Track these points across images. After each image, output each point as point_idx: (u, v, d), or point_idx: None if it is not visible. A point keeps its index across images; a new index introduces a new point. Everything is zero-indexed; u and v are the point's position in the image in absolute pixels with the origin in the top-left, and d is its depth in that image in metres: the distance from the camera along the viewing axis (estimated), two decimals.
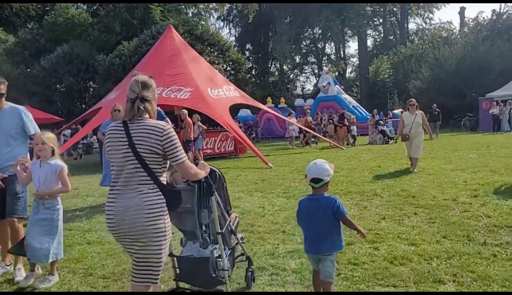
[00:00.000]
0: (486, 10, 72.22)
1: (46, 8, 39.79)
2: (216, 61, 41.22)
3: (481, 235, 4.46)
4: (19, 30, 36.97)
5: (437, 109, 21.68)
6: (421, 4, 43.24)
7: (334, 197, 2.98)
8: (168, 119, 7.60)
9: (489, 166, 9.29)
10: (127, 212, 2.48)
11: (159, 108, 7.81)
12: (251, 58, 54.22)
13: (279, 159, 13.84)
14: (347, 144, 18.39)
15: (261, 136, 29.51)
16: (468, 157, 11.41)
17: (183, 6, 46.36)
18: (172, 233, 2.69)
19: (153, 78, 2.72)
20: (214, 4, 47.50)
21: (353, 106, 27.43)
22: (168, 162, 2.62)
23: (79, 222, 6.26)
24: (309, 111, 21.94)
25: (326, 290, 2.95)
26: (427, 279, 3.45)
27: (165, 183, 2.64)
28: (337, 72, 46.19)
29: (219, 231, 3.06)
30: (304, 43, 51.77)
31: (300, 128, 19.53)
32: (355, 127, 19.64)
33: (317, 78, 39.75)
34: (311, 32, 50.18)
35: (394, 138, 17.67)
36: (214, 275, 3.04)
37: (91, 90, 36.40)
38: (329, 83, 27.91)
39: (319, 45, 51.91)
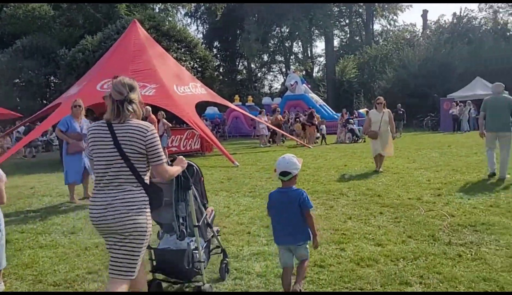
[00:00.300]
0: (447, 14, 74.84)
1: None
2: (183, 58, 40.62)
3: (445, 234, 4.47)
4: None
5: (402, 109, 22.12)
6: (386, 5, 44.14)
7: (301, 189, 3.13)
8: None
9: (451, 165, 9.49)
10: (110, 208, 2.55)
11: None
12: (218, 56, 53.79)
13: (245, 157, 13.70)
14: (315, 143, 18.47)
15: (228, 135, 29.29)
16: (430, 156, 11.64)
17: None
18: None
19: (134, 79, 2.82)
20: None
21: (320, 105, 27.64)
22: None
23: (33, 223, 5.89)
24: (279, 109, 21.83)
25: (301, 265, 3.12)
26: (393, 281, 3.38)
27: (148, 182, 2.72)
28: (304, 71, 46.57)
29: (196, 224, 3.18)
30: (272, 42, 51.85)
31: (268, 126, 19.45)
32: (324, 126, 19.76)
33: (285, 77, 39.92)
34: (279, 31, 50.32)
35: (363, 137, 17.75)
36: (189, 267, 3.13)
37: (53, 85, 35.08)
38: (296, 82, 28.02)
39: (287, 44, 52.15)
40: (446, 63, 30.08)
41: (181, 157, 3.07)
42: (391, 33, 50.50)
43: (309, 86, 31.77)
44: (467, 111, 22.89)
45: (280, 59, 54.88)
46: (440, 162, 10.12)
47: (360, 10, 49.58)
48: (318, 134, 19.15)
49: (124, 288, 2.64)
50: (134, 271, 2.65)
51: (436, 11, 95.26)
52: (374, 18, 50.41)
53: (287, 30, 47.30)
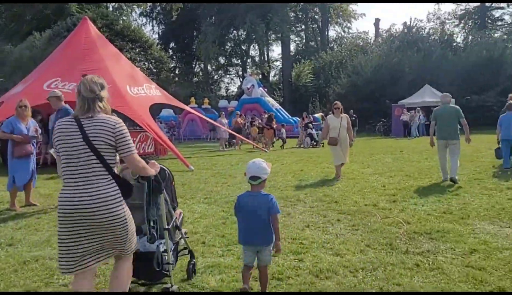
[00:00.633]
0: (398, 23, 77.79)
1: None
2: (138, 59, 39.63)
3: (402, 242, 4.45)
4: None
5: (354, 115, 22.60)
6: (340, 12, 45.20)
7: (271, 195, 3.24)
8: None
9: (404, 170, 9.68)
10: (84, 202, 2.57)
11: (67, 105, 7.07)
12: (175, 57, 52.97)
13: (201, 161, 13.40)
14: (273, 146, 18.45)
15: (183, 138, 28.78)
16: (384, 161, 11.87)
17: None
18: None
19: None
20: None
21: (276, 109, 27.77)
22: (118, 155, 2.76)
23: None
24: (238, 112, 21.62)
25: (263, 272, 3.25)
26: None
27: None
28: (261, 75, 46.73)
29: (166, 227, 3.25)
30: (229, 45, 51.72)
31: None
32: (284, 130, 19.77)
33: (242, 80, 39.86)
34: (236, 33, 50.25)
35: (322, 142, 17.60)
36: (158, 269, 3.18)
37: None
38: (253, 85, 28.00)
39: (244, 47, 52.18)
40: (397, 71, 31.18)
41: (153, 161, 3.14)
42: (345, 40, 51.77)
43: (266, 90, 31.87)
44: (417, 118, 23.76)
45: (237, 62, 54.84)
46: (393, 167, 10.31)
47: (316, 16, 50.48)
48: (274, 139, 19.13)
49: (130, 260, 2.91)
50: (132, 246, 2.85)
51: (388, 21, 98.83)
52: (329, 25, 51.52)
53: (244, 33, 47.31)
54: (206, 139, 28.09)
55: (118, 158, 2.82)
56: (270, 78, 52.38)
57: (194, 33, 50.46)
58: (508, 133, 9.12)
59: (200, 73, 54.33)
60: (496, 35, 37.06)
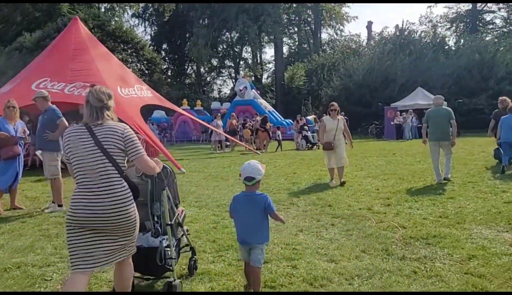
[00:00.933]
0: (391, 26, 78.26)
1: None
2: (130, 60, 39.35)
3: (399, 248, 4.32)
4: None
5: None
6: (333, 15, 45.26)
7: (265, 194, 3.35)
8: (64, 119, 6.64)
9: (398, 173, 9.60)
10: (99, 204, 2.68)
11: (54, 106, 6.87)
12: (167, 58, 52.66)
13: (192, 164, 13.23)
14: (265, 148, 18.32)
15: (175, 139, 28.55)
16: (377, 163, 11.79)
17: None
18: None
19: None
20: None
21: (268, 111, 27.63)
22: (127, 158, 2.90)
23: None
24: (234, 114, 21.40)
25: (255, 275, 3.27)
26: None
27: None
28: (253, 77, 46.63)
29: (169, 222, 3.37)
30: (222, 47, 51.55)
31: (212, 131, 19.09)
32: (279, 132, 19.63)
33: (234, 82, 39.72)
34: (228, 35, 50.10)
35: (318, 144, 17.37)
36: (161, 264, 3.27)
37: None
38: (245, 87, 27.85)
39: (236, 49, 52.05)
40: (389, 73, 31.20)
41: (156, 159, 3.26)
42: (338, 42, 51.84)
43: (258, 92, 31.75)
44: (410, 120, 23.77)
45: (229, 64, 54.67)
46: (386, 170, 10.22)
47: (308, 19, 50.52)
48: (269, 141, 18.98)
49: (130, 260, 3.00)
50: (133, 248, 2.97)
51: (380, 24, 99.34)
52: (322, 27, 51.58)
53: (237, 35, 47.19)
54: (198, 141, 27.90)
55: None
56: (263, 80, 52.30)
57: (187, 35, 50.20)
58: (509, 135, 9.25)
59: (193, 75, 54.03)
60: (487, 38, 37.31)
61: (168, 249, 3.32)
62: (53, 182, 6.73)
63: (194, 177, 10.24)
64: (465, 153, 13.37)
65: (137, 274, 3.49)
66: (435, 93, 23.17)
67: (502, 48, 31.70)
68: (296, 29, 53.51)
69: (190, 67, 54.36)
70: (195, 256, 3.87)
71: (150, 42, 50.18)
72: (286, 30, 50.43)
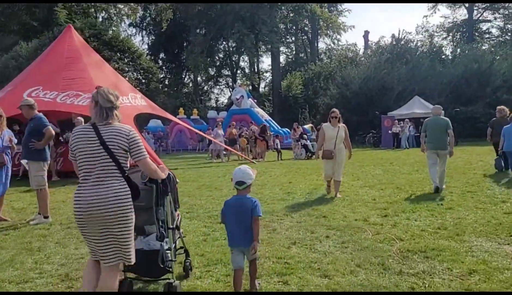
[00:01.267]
0: (387, 35, 78.55)
1: None
2: (126, 69, 39.24)
3: (396, 262, 4.12)
4: None
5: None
6: (330, 24, 45.35)
7: (255, 198, 3.44)
8: (50, 128, 6.44)
9: (395, 183, 9.41)
10: (97, 199, 2.82)
11: (40, 114, 6.68)
12: (164, 68, 52.63)
13: (187, 173, 13.01)
14: (261, 157, 18.12)
15: (171, 149, 28.33)
16: (374, 173, 11.60)
17: (92, 10, 43.66)
18: None
19: None
20: (126, 10, 45.41)
21: (265, 120, 27.47)
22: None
23: None
24: (234, 123, 21.13)
25: (252, 264, 3.48)
26: None
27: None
28: (250, 86, 46.55)
29: (171, 226, 3.57)
30: (219, 56, 51.57)
31: (209, 140, 18.88)
32: (278, 141, 19.42)
33: (232, 91, 39.56)
34: (225, 45, 50.13)
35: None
36: (162, 266, 3.37)
37: None
38: (242, 96, 27.71)
39: (234, 59, 52.05)
40: (386, 82, 31.11)
41: (162, 165, 3.49)
42: (334, 51, 51.93)
43: (255, 100, 31.61)
44: (407, 129, 23.64)
45: (227, 73, 54.64)
46: (384, 180, 10.04)
47: (305, 28, 50.63)
48: (267, 150, 18.80)
49: (117, 274, 2.98)
50: (129, 255, 2.96)
51: (377, 33, 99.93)
52: (319, 37, 51.68)
53: (234, 45, 47.21)
54: (195, 150, 27.69)
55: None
56: (260, 89, 52.21)
57: (184, 44, 50.22)
58: (510, 144, 9.43)
59: (190, 84, 53.93)
60: (483, 47, 37.38)
61: (169, 251, 3.45)
62: (39, 192, 6.51)
63: (188, 186, 10.02)
64: (463, 162, 13.20)
65: (135, 276, 3.69)
66: (432, 102, 23.15)
67: (498, 57, 31.69)
68: (293, 38, 53.63)
69: (187, 77, 54.31)
70: (189, 258, 4.02)
71: (147, 52, 50.17)
72: (283, 39, 50.47)
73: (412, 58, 33.38)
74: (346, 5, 49.44)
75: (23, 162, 6.81)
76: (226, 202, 3.52)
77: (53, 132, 6.51)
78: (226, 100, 51.85)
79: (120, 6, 44.57)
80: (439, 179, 8.08)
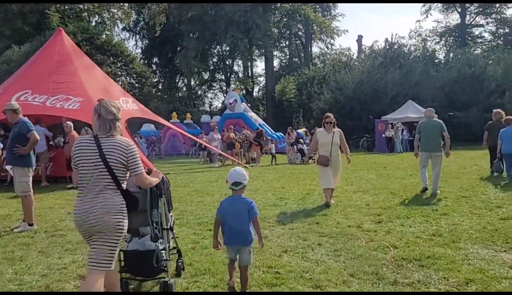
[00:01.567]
0: (381, 40, 78.89)
1: None
2: (119, 73, 39.02)
3: (390, 271, 3.98)
4: None
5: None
6: (323, 29, 45.43)
7: (250, 199, 3.59)
8: (35, 132, 6.26)
9: (389, 188, 9.30)
10: (93, 210, 2.92)
11: (25, 119, 6.49)
12: (158, 72, 52.42)
13: (179, 178, 12.83)
14: (255, 162, 17.96)
15: (164, 153, 28.10)
16: (368, 177, 11.49)
17: (85, 14, 43.41)
18: None
19: None
20: (120, 14, 45.19)
21: (259, 124, 27.35)
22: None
23: None
24: (231, 127, 20.81)
25: (244, 273, 3.52)
26: None
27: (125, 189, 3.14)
28: (244, 90, 46.45)
29: (165, 227, 3.71)
30: (213, 60, 51.44)
31: (201, 144, 18.70)
32: (273, 145, 19.22)
33: (225, 95, 39.43)
34: (219, 49, 50.03)
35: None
36: (157, 265, 3.48)
37: None
38: (235, 100, 27.56)
39: (227, 63, 51.95)
40: (380, 86, 31.09)
41: (156, 170, 3.64)
42: (328, 56, 51.98)
43: (249, 105, 31.47)
44: (400, 133, 23.60)
45: (220, 78, 54.50)
46: (377, 185, 9.92)
47: (299, 32, 50.68)
48: (255, 154, 18.64)
49: (101, 279, 2.97)
50: (111, 263, 2.99)
51: (370, 38, 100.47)
52: (312, 41, 51.75)
53: (227, 49, 47.12)
54: (188, 155, 27.49)
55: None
56: (254, 94, 52.09)
57: (178, 49, 50.10)
58: (510, 147, 9.47)
59: (184, 88, 53.74)
60: (476, 52, 37.54)
61: (164, 251, 3.58)
62: (24, 199, 6.32)
63: (179, 192, 9.84)
64: (457, 166, 13.14)
65: (131, 276, 3.76)
66: (425, 107, 23.04)
67: (491, 61, 31.81)
68: (287, 42, 53.64)
69: (181, 81, 54.13)
70: (181, 258, 4.16)
71: (140, 56, 49.97)
72: (277, 43, 50.46)
73: (405, 63, 33.42)
74: (339, 10, 49.98)
75: (8, 167, 6.62)
76: (223, 202, 3.63)
77: (38, 137, 6.33)
78: (220, 105, 51.70)
79: (114, 10, 44.33)
80: (433, 182, 8.18)
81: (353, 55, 47.67)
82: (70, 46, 14.45)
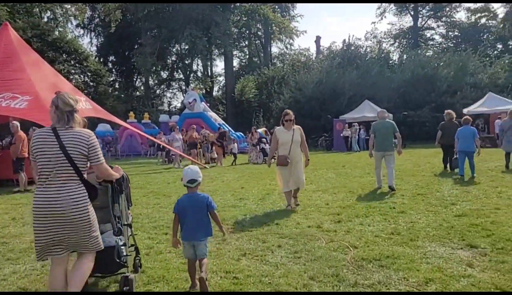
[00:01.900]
0: (338, 41, 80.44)
1: None
2: (73, 71, 37.55)
3: (350, 272, 3.90)
4: None
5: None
6: (282, 29, 45.74)
7: (206, 194, 3.70)
8: None
9: (348, 186, 9.35)
10: (57, 202, 2.95)
11: None
12: (114, 70, 50.88)
13: (135, 180, 12.38)
14: (209, 163, 17.70)
15: (121, 154, 27.26)
16: (327, 176, 11.55)
17: (36, 9, 41.42)
18: None
19: None
20: (73, 10, 43.47)
21: (219, 124, 27.08)
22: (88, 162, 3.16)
23: None
24: (194, 126, 20.27)
25: (204, 265, 3.54)
26: None
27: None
28: (204, 90, 45.95)
29: (126, 222, 3.75)
30: (172, 59, 50.57)
31: (159, 144, 18.24)
32: (235, 145, 18.98)
33: (184, 95, 38.78)
34: (178, 47, 49.23)
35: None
36: (118, 261, 3.50)
37: None
38: (195, 100, 27.14)
39: (186, 62, 51.23)
40: (337, 87, 31.61)
41: (117, 166, 3.63)
42: (287, 56, 52.40)
43: (208, 104, 31.12)
44: (356, 132, 24.05)
45: (179, 77, 53.68)
46: (336, 184, 9.96)
47: (258, 32, 50.76)
48: (214, 155, 18.42)
49: (91, 258, 3.19)
50: (98, 243, 3.17)
51: (328, 39, 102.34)
52: (272, 41, 51.99)
53: (186, 47, 46.45)
54: (146, 155, 26.81)
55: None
56: (214, 93, 51.68)
57: (135, 47, 48.83)
58: (465, 145, 9.92)
59: (142, 88, 52.49)
60: (428, 54, 38.93)
61: (124, 247, 3.62)
62: None
63: (134, 194, 9.42)
64: (411, 164, 13.47)
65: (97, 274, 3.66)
66: (381, 106, 23.65)
67: (442, 63, 33.07)
68: (246, 42, 53.61)
69: (139, 80, 52.86)
70: (139, 255, 4.17)
71: (96, 54, 48.33)
72: (236, 43, 50.32)
73: (362, 63, 34.15)
74: (298, 10, 50.63)
75: None
76: (179, 200, 3.69)
77: None
78: (179, 105, 50.89)
79: (67, 6, 42.61)
80: (388, 176, 8.54)
81: (311, 55, 48.33)
82: (17, 42, 13.61)
